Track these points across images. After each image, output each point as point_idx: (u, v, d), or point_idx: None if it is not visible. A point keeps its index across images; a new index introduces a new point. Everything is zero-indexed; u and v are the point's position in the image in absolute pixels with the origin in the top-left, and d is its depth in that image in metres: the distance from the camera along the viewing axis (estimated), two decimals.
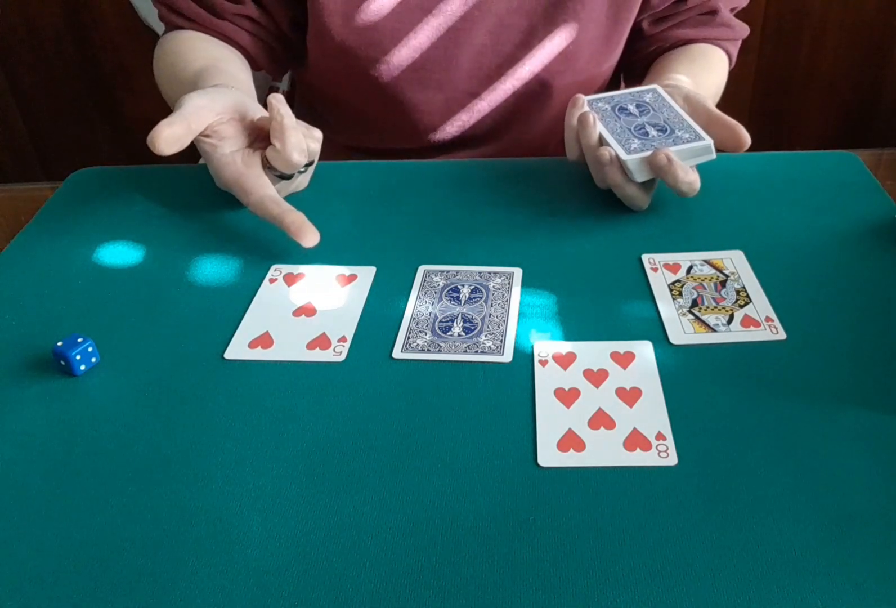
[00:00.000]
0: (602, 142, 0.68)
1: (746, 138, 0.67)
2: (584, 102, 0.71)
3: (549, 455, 0.48)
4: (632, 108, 0.71)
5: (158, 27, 1.59)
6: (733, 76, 0.94)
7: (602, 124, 0.69)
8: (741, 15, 0.95)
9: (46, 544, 0.44)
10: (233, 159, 0.66)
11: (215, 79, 0.72)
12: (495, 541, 0.44)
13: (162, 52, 0.85)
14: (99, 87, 1.86)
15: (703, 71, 0.85)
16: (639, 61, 0.92)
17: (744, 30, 0.91)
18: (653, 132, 0.68)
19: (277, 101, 0.63)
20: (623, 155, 0.66)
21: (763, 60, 1.84)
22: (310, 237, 0.63)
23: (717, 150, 0.68)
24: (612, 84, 0.97)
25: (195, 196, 0.75)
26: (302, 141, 0.64)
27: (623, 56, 0.91)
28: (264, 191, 0.65)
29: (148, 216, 0.73)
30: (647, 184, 0.68)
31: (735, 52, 0.92)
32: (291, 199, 0.72)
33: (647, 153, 0.65)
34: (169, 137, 0.61)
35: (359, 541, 0.44)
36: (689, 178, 0.65)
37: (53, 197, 0.76)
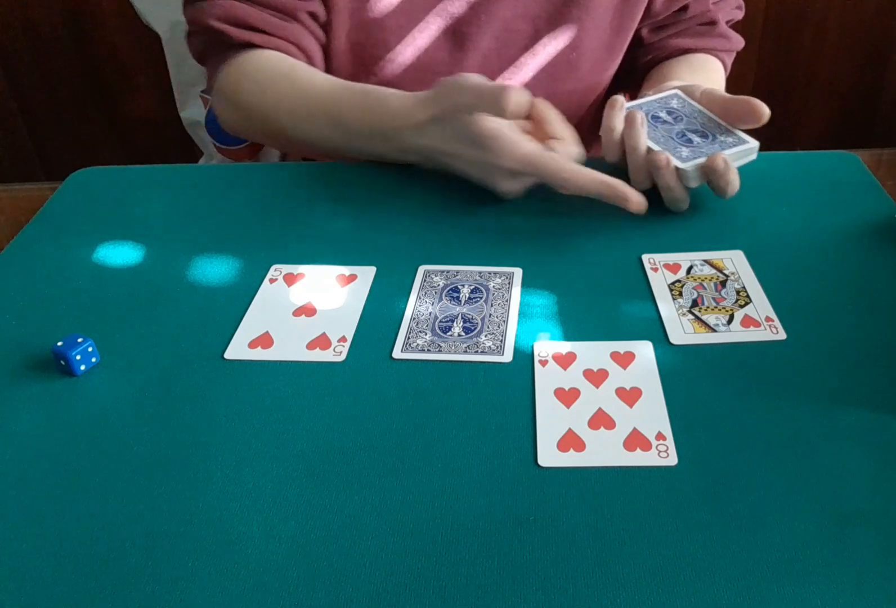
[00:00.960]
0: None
1: (763, 108, 0.67)
2: (622, 104, 0.70)
3: (549, 455, 0.48)
4: (664, 115, 0.71)
5: (158, 27, 1.58)
6: (733, 76, 0.94)
7: None
8: (743, 18, 0.95)
9: (46, 544, 0.44)
10: (523, 136, 0.66)
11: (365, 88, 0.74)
12: (495, 541, 0.44)
13: (245, 81, 0.80)
14: (99, 86, 1.86)
15: (706, 80, 0.86)
16: (636, 70, 0.92)
17: (740, 42, 0.92)
18: (696, 139, 0.68)
19: (545, 105, 0.67)
20: (679, 163, 0.66)
21: (763, 60, 1.84)
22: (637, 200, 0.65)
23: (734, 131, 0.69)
24: (610, 92, 0.97)
25: (195, 196, 0.75)
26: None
27: (620, 64, 0.91)
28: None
29: (148, 216, 0.73)
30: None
31: (730, 63, 0.93)
32: (289, 200, 0.72)
33: (702, 160, 0.66)
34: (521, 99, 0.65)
35: (359, 541, 0.44)
36: (737, 181, 0.67)
37: (53, 197, 0.76)
